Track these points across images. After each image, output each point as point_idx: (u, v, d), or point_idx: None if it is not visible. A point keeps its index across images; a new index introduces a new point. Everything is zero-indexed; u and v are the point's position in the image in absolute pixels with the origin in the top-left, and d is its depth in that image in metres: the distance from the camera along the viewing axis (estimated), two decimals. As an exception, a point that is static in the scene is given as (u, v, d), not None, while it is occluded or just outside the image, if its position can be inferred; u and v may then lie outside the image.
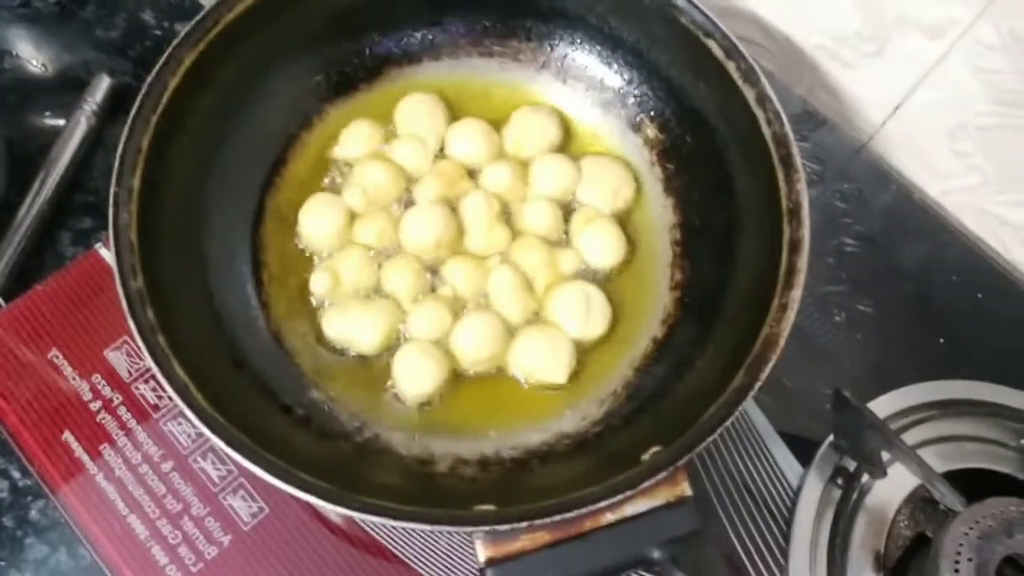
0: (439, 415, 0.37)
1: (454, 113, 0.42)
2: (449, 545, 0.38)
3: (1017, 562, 0.39)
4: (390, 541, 0.38)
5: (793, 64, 0.54)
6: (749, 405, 0.44)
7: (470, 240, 0.39)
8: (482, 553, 0.28)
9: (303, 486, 0.29)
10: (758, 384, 0.31)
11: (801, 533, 0.42)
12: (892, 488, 0.42)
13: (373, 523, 0.35)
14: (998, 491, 0.41)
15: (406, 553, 0.38)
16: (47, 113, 0.55)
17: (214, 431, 0.29)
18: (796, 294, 0.32)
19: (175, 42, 0.36)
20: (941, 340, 0.48)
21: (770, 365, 0.31)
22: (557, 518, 0.28)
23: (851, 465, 0.43)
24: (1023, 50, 0.43)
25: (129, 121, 0.34)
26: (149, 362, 0.30)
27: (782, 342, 0.32)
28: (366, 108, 0.42)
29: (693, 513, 0.30)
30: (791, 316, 0.32)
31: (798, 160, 0.35)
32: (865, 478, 0.42)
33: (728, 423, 0.30)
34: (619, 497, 0.29)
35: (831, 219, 0.52)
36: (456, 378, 0.38)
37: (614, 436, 0.35)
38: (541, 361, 0.37)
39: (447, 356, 0.37)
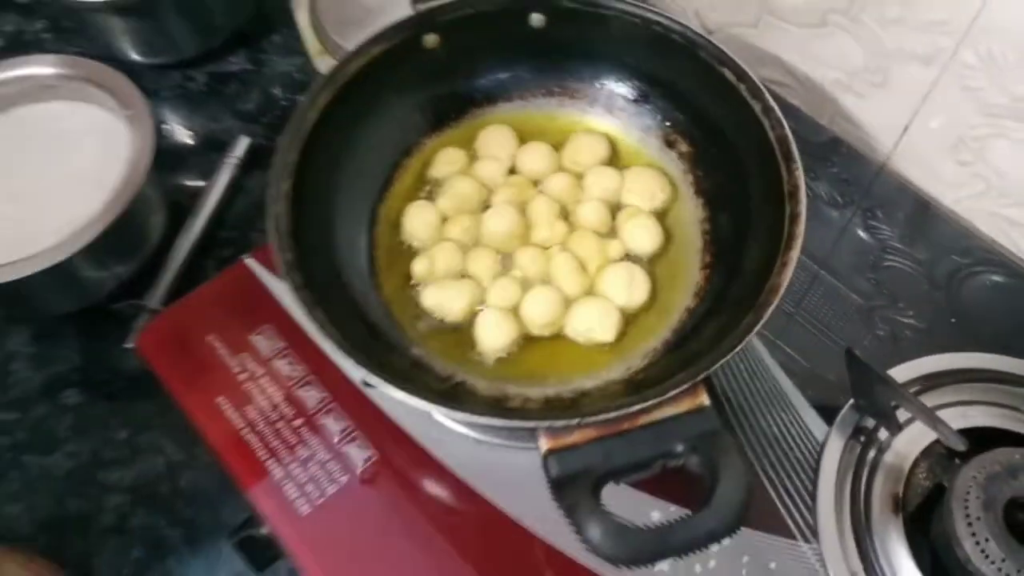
0: (511, 367, 0.46)
1: (522, 139, 0.52)
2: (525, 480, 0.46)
3: (1022, 503, 0.45)
4: (476, 482, 0.47)
5: (815, 99, 0.63)
6: (780, 375, 0.51)
7: (535, 234, 0.49)
8: (543, 444, 0.37)
9: (421, 395, 0.37)
10: (762, 321, 0.39)
11: (827, 481, 0.47)
12: (908, 444, 0.48)
13: (465, 422, 0.42)
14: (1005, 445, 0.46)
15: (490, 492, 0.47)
16: (196, 169, 0.67)
17: (346, 354, 0.38)
18: (794, 254, 0.40)
19: (315, 87, 0.47)
20: (952, 319, 0.54)
21: (772, 307, 0.39)
22: (601, 418, 0.36)
23: (870, 423, 0.49)
24: (1000, 68, 0.51)
25: (280, 142, 0.45)
26: (300, 313, 0.40)
27: (782, 290, 0.40)
28: (453, 138, 0.53)
29: (709, 418, 0.37)
30: (790, 270, 0.40)
31: (796, 153, 0.43)
32: (883, 435, 0.49)
33: (737, 349, 0.38)
34: (650, 403, 0.37)
35: (855, 223, 0.60)
36: (524, 339, 0.47)
37: (652, 375, 0.43)
38: (593, 324, 0.45)
39: (517, 321, 0.46)
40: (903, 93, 0.57)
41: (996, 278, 0.58)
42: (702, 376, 0.37)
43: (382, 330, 0.46)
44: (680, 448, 0.37)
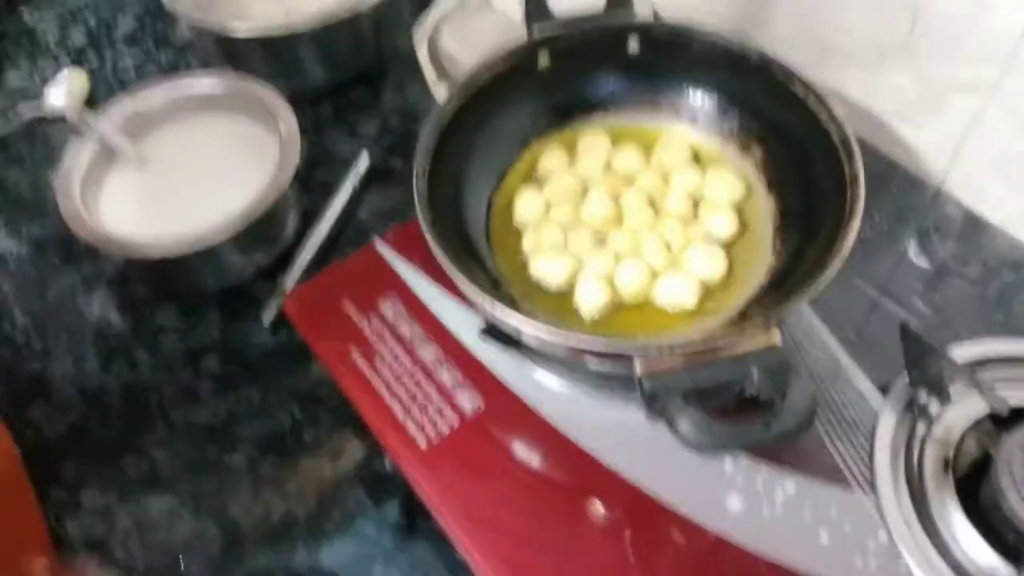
0: (605, 327, 0.53)
1: (617, 144, 0.61)
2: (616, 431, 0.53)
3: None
4: (568, 430, 0.54)
5: (874, 129, 0.69)
6: (842, 355, 0.57)
7: (627, 219, 0.57)
8: (639, 368, 0.44)
9: (537, 320, 0.45)
10: (825, 278, 0.45)
11: (883, 445, 0.52)
12: (958, 417, 0.52)
13: (572, 346, 0.47)
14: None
15: (583, 441, 0.54)
16: (324, 181, 0.76)
17: (470, 286, 0.47)
18: (855, 224, 0.47)
19: (450, 93, 0.56)
20: (999, 316, 0.60)
21: (835, 269, 0.46)
22: (689, 347, 0.44)
23: (922, 398, 0.55)
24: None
25: (422, 132, 0.54)
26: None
27: (844, 253, 0.46)
28: (559, 141, 0.62)
29: (780, 353, 0.44)
30: (851, 239, 0.47)
31: (856, 150, 0.50)
32: (935, 408, 0.54)
33: (806, 298, 0.45)
34: (730, 337, 0.44)
35: (911, 246, 0.66)
36: (617, 306, 0.54)
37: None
38: (677, 291, 0.53)
39: (611, 287, 0.54)
40: (954, 120, 0.64)
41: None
42: (773, 318, 0.44)
43: (499, 284, 0.54)
44: (756, 375, 0.43)
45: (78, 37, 0.95)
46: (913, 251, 0.65)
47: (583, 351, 0.46)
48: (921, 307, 0.62)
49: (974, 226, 0.66)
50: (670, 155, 0.59)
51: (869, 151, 0.70)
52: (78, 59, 0.92)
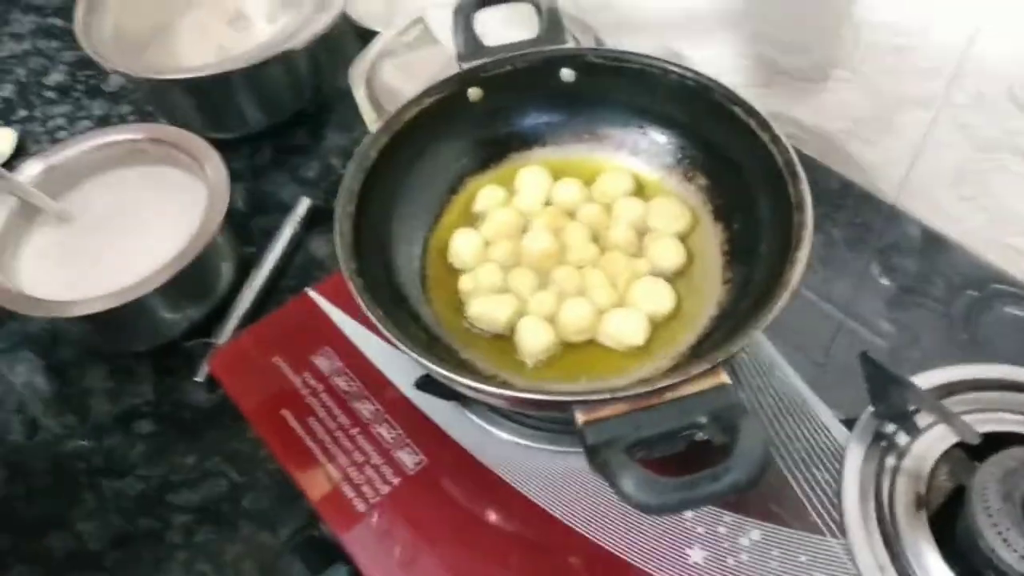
0: (548, 370, 0.50)
1: (556, 178, 0.58)
2: (564, 481, 0.50)
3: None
4: (517, 483, 0.51)
5: (828, 148, 0.68)
6: (805, 391, 0.54)
7: (570, 254, 0.54)
8: (579, 418, 0.40)
9: (475, 379, 0.42)
10: (772, 314, 0.42)
11: (851, 482, 0.49)
12: (928, 448, 0.50)
13: (510, 402, 0.45)
14: (1021, 446, 0.49)
15: (533, 493, 0.50)
16: (262, 227, 0.73)
17: (401, 342, 0.43)
18: (802, 254, 0.44)
19: (376, 130, 0.53)
20: (964, 336, 0.58)
21: (782, 301, 0.43)
22: (631, 393, 0.40)
23: (889, 429, 0.52)
24: (987, 105, 0.56)
25: (346, 172, 0.51)
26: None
27: (791, 285, 0.43)
28: (495, 179, 0.59)
29: (729, 394, 0.40)
30: (799, 269, 0.44)
31: (801, 172, 0.48)
32: (903, 440, 0.51)
33: (752, 334, 0.42)
34: (675, 380, 0.41)
35: (872, 265, 0.64)
36: (561, 347, 0.51)
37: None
38: (624, 328, 0.50)
39: (555, 328, 0.51)
40: (905, 136, 0.62)
41: (1011, 309, 0.61)
42: (720, 359, 0.41)
43: (435, 335, 0.51)
44: (703, 420, 0.40)
45: (7, 90, 0.91)
46: (875, 271, 0.64)
47: (522, 402, 0.42)
48: (886, 328, 0.60)
49: (934, 243, 0.65)
50: (611, 185, 0.57)
51: (823, 171, 0.68)
52: (6, 113, 0.89)
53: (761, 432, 0.38)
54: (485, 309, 0.51)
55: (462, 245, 0.54)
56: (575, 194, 0.56)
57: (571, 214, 0.56)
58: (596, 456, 0.39)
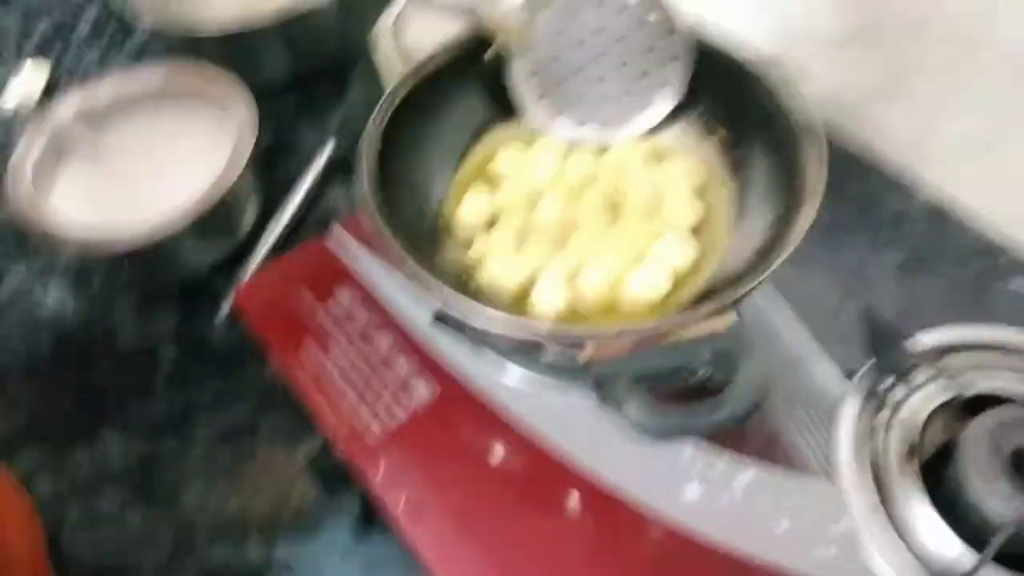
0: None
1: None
2: (568, 418, 0.52)
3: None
4: (528, 419, 0.53)
5: (842, 114, 0.68)
6: (810, 342, 0.56)
7: (584, 222, 0.55)
8: (588, 352, 0.43)
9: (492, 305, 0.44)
10: (773, 266, 0.44)
11: (846, 430, 0.51)
12: (923, 402, 0.52)
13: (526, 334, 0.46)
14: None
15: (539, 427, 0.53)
16: (285, 172, 0.75)
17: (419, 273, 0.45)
18: (807, 210, 0.46)
19: (403, 75, 0.55)
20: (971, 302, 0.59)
21: (783, 256, 0.44)
22: (639, 329, 0.42)
23: (888, 382, 0.53)
24: (1003, 75, 0.57)
25: (375, 112, 0.53)
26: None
27: (794, 238, 0.45)
28: (519, 136, 0.60)
29: (730, 337, 0.42)
30: (804, 224, 0.46)
31: (818, 130, 0.49)
32: (900, 393, 0.53)
33: (752, 286, 0.43)
34: (679, 321, 0.43)
35: (883, 230, 0.65)
36: (577, 314, 0.52)
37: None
38: (649, 280, 0.51)
39: (572, 291, 0.52)
40: (921, 105, 0.63)
41: (1021, 279, 0.62)
42: (723, 303, 0.43)
43: (458, 275, 0.53)
44: (706, 358, 0.42)
45: (42, 31, 0.93)
46: (885, 236, 0.64)
47: (534, 338, 0.44)
48: (894, 291, 0.61)
49: (944, 213, 0.65)
50: (624, 152, 0.58)
51: (837, 136, 0.69)
52: (41, 52, 0.91)
53: (758, 371, 0.40)
54: (498, 270, 0.53)
55: (470, 209, 0.56)
56: (588, 163, 0.58)
57: (585, 182, 0.57)
58: (603, 387, 0.41)
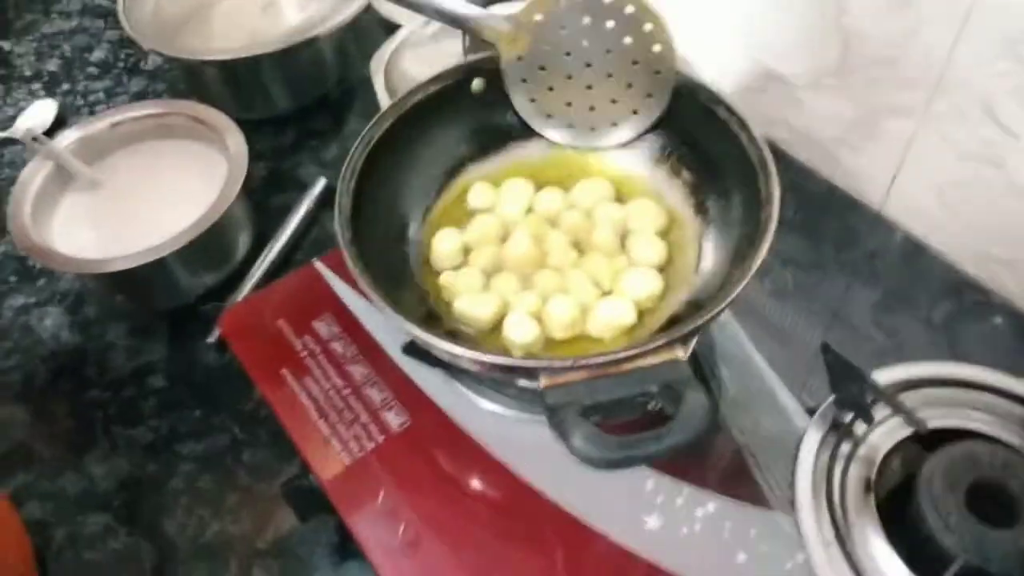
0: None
1: (543, 180, 0.61)
2: (537, 450, 0.53)
3: (984, 489, 0.49)
4: (497, 450, 0.54)
5: (816, 153, 0.70)
6: (773, 379, 0.57)
7: (551, 259, 0.56)
8: (543, 381, 0.44)
9: (457, 343, 0.45)
10: (727, 300, 0.45)
11: (805, 464, 0.52)
12: (882, 438, 0.52)
13: (489, 365, 0.46)
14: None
15: (507, 458, 0.54)
16: (280, 203, 0.78)
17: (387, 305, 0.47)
18: (762, 250, 0.47)
19: (382, 112, 0.57)
20: (942, 341, 0.60)
21: (737, 290, 0.46)
22: (591, 362, 0.44)
23: (847, 418, 0.54)
24: (966, 116, 0.58)
25: (352, 150, 0.55)
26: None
27: (745, 279, 0.46)
28: (489, 174, 0.62)
29: (682, 368, 0.43)
30: (755, 264, 0.47)
31: (773, 169, 0.51)
32: (860, 429, 0.54)
33: (705, 320, 0.45)
34: (631, 352, 0.44)
35: (855, 269, 0.66)
36: (549, 341, 0.53)
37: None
38: (614, 311, 0.52)
39: (541, 325, 0.53)
40: (890, 144, 0.64)
41: (988, 318, 0.63)
42: (674, 336, 0.44)
43: (432, 309, 0.54)
44: (655, 389, 0.43)
45: (53, 64, 0.97)
46: (858, 274, 0.66)
47: (491, 367, 0.46)
48: (864, 329, 0.62)
49: (915, 250, 0.67)
50: (590, 192, 0.59)
51: (812, 176, 0.71)
52: (51, 86, 0.94)
53: (704, 398, 0.41)
54: (468, 306, 0.54)
55: (443, 247, 0.57)
56: (555, 202, 0.59)
57: (552, 221, 0.59)
58: (554, 416, 0.42)
